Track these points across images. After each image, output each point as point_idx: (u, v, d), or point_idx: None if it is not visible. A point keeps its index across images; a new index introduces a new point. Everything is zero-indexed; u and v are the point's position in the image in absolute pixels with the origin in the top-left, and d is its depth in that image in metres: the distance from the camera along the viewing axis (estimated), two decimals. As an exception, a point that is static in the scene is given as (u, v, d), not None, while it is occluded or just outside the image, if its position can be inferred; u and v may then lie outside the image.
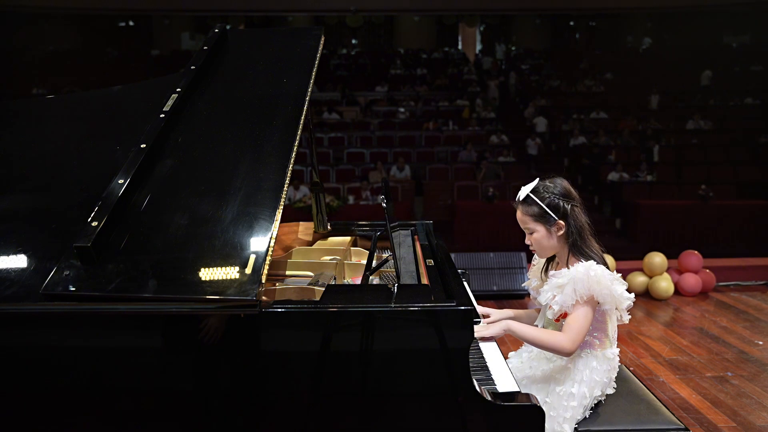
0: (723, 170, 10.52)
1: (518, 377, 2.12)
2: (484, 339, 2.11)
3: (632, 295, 2.00)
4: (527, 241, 2.09)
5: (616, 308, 1.99)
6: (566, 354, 1.97)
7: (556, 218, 1.99)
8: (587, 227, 2.03)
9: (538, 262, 2.25)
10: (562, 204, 2.00)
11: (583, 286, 1.91)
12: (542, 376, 2.09)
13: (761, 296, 5.70)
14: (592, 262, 1.97)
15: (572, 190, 2.05)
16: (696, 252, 5.83)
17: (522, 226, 2.08)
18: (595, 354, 2.04)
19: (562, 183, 2.04)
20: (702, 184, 9.23)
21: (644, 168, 10.27)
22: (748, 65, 15.26)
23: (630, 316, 2.05)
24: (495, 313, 2.30)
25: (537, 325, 2.18)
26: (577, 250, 2.01)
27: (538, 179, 2.06)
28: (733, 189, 9.78)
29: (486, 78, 15.96)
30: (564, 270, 2.00)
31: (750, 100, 13.59)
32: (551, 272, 2.07)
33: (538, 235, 2.04)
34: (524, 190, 2.04)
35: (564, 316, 1.98)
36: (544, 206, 2.00)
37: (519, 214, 2.07)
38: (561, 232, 2.01)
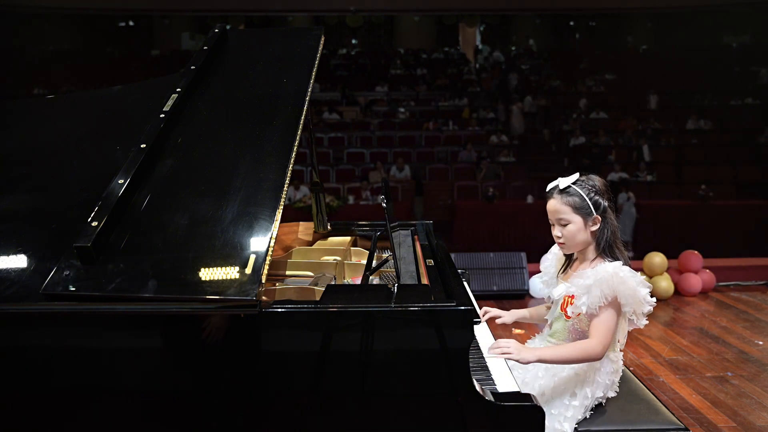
0: (723, 170, 10.52)
1: (520, 375, 2.12)
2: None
3: (654, 299, 1.96)
4: (557, 233, 2.04)
5: (634, 312, 1.96)
6: (598, 358, 1.96)
7: (595, 212, 1.98)
8: (618, 228, 2.03)
9: (552, 257, 2.23)
10: (601, 200, 1.99)
11: (609, 287, 1.90)
12: (544, 375, 2.09)
13: (761, 296, 5.70)
14: (619, 263, 1.96)
15: (607, 189, 2.04)
16: (696, 252, 5.83)
17: (554, 217, 2.03)
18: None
19: (599, 180, 2.04)
20: (702, 184, 9.23)
21: (643, 168, 10.27)
22: (748, 65, 15.25)
23: (647, 321, 2.01)
24: (505, 313, 2.29)
25: (547, 320, 2.17)
26: (608, 249, 2.00)
27: (578, 173, 2.04)
28: (733, 189, 9.79)
29: (500, 97, 14.63)
30: (589, 270, 1.97)
31: (750, 100, 13.58)
32: (575, 273, 2.05)
33: (573, 227, 1.99)
34: (565, 181, 2.01)
35: (579, 314, 1.98)
36: (587, 198, 1.97)
37: (556, 204, 2.01)
38: (595, 228, 2.00)
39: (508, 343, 1.91)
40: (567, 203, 2.00)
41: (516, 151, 11.72)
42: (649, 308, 1.96)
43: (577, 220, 1.99)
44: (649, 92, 13.79)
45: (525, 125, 13.06)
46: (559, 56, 18.04)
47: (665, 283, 5.58)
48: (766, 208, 8.67)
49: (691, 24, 16.72)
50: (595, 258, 2.03)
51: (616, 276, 1.91)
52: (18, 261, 1.79)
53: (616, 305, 1.94)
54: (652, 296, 1.97)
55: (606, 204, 2.00)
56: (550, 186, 2.06)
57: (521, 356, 1.89)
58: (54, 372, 1.68)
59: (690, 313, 5.20)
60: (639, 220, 8.77)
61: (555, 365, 2.06)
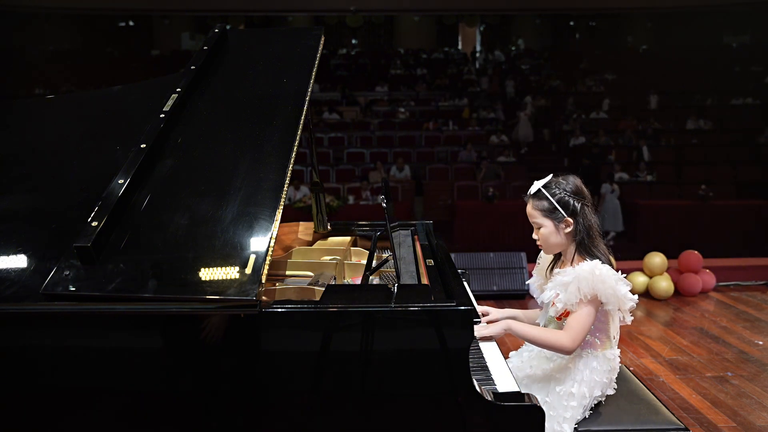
0: (723, 170, 10.51)
1: (519, 376, 2.13)
2: (484, 338, 2.11)
3: (636, 296, 1.99)
4: (534, 236, 2.09)
5: (619, 309, 1.98)
6: (567, 352, 1.97)
7: (565, 215, 2.00)
8: (595, 227, 2.04)
9: (543, 260, 2.25)
10: (572, 202, 2.00)
11: (588, 285, 1.91)
12: (543, 376, 2.09)
13: (761, 296, 5.70)
14: (597, 262, 1.97)
15: (584, 189, 2.06)
16: (696, 252, 5.83)
17: (530, 220, 2.08)
18: (596, 354, 2.04)
19: (574, 181, 2.05)
20: (702, 184, 9.23)
21: (643, 168, 10.28)
22: (748, 65, 15.25)
23: (633, 317, 2.04)
24: (494, 311, 2.30)
25: (539, 323, 2.18)
26: (584, 249, 2.01)
27: (551, 175, 2.07)
28: (733, 189, 9.78)
29: (503, 102, 14.19)
30: (569, 268, 2.00)
31: (750, 100, 13.58)
32: (556, 270, 2.07)
33: (545, 231, 2.04)
34: (536, 185, 2.05)
35: (566, 314, 1.98)
36: (554, 202, 2.00)
37: (529, 208, 2.07)
38: (568, 230, 2.02)
39: (479, 328, 1.98)
40: (537, 207, 2.04)
41: (516, 151, 11.71)
42: (631, 304, 1.98)
43: (548, 223, 2.03)
44: (649, 92, 13.79)
45: (533, 134, 12.67)
46: (559, 56, 18.04)
47: (665, 283, 5.58)
48: (766, 208, 8.66)
49: (691, 24, 16.73)
50: (575, 257, 2.05)
51: (593, 274, 1.92)
52: (18, 261, 1.79)
53: (595, 304, 1.95)
54: (633, 293, 1.99)
55: (578, 205, 2.01)
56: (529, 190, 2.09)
57: (488, 331, 1.98)
58: (54, 372, 1.68)
59: (690, 313, 5.20)
60: (639, 220, 8.77)
61: (552, 369, 2.08)
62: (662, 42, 18.21)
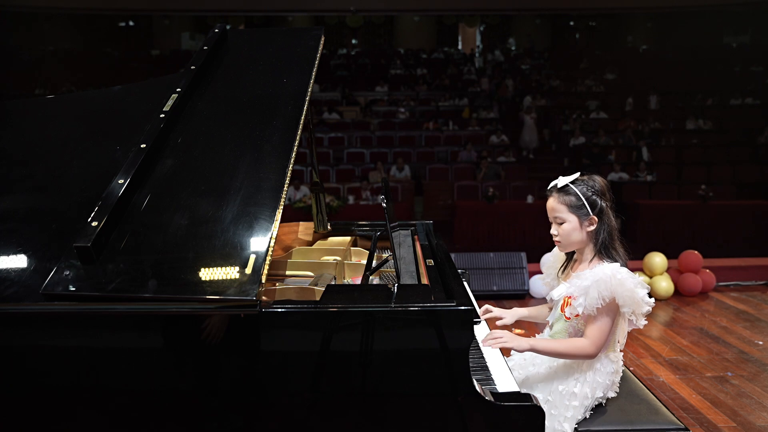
0: (723, 170, 10.52)
1: (521, 375, 2.13)
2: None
3: (652, 300, 1.97)
4: (553, 231, 2.06)
5: (633, 312, 1.97)
6: (591, 358, 1.98)
7: (591, 213, 1.99)
8: (616, 229, 2.04)
9: (554, 258, 2.24)
10: (599, 201, 2.00)
11: (606, 288, 1.91)
12: (545, 374, 2.09)
13: (761, 296, 5.70)
14: (617, 265, 1.97)
15: (608, 190, 2.05)
16: (696, 252, 5.83)
17: (551, 215, 2.06)
18: (600, 356, 2.03)
19: (601, 181, 2.05)
20: (702, 184, 9.24)
21: (643, 168, 10.28)
22: (748, 65, 15.26)
23: (646, 321, 2.02)
24: (497, 310, 2.29)
25: (548, 321, 2.18)
26: (605, 250, 2.01)
27: (578, 173, 2.06)
28: (733, 189, 9.79)
29: (505, 106, 13.93)
30: (587, 272, 1.98)
31: (750, 100, 13.58)
32: (574, 273, 2.06)
33: (568, 226, 2.01)
34: (564, 179, 2.04)
35: (577, 315, 1.98)
36: (583, 198, 1.99)
37: (552, 203, 2.04)
38: (591, 228, 2.01)
39: (502, 333, 1.95)
40: (563, 202, 2.02)
41: (516, 150, 11.71)
42: (647, 308, 1.96)
43: (572, 219, 2.01)
44: (649, 92, 13.79)
45: (538, 139, 12.43)
46: (559, 56, 18.05)
47: (665, 283, 5.58)
48: (766, 208, 8.67)
49: (691, 24, 16.73)
50: (592, 258, 2.04)
51: (614, 278, 1.91)
52: (18, 261, 1.79)
53: (613, 307, 1.95)
54: (650, 296, 1.98)
55: (604, 205, 2.01)
56: (550, 184, 2.08)
57: (514, 344, 1.93)
58: (54, 372, 1.68)
59: (690, 313, 5.20)
60: (639, 220, 8.77)
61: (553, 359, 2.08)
62: (662, 42, 18.22)
